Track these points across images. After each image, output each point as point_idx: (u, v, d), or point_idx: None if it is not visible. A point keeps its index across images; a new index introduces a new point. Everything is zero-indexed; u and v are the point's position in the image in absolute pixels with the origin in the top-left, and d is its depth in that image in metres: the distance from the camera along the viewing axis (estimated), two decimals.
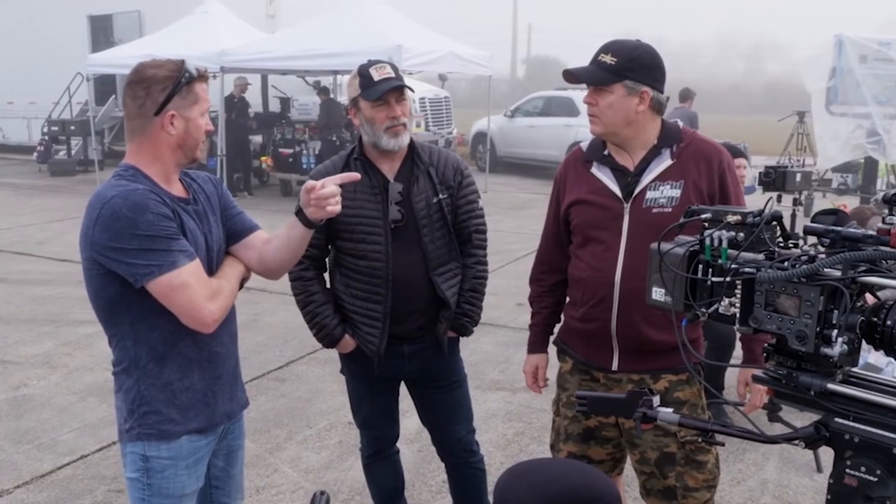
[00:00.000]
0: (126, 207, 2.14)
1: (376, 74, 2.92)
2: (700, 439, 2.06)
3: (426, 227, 3.02)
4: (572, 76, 2.61)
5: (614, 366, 2.70)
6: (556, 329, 3.01)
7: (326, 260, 3.17)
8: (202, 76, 2.30)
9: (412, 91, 3.11)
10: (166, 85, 2.22)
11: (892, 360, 3.62)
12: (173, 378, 2.32)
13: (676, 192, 2.58)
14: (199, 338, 2.32)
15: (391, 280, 2.99)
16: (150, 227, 2.15)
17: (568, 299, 2.89)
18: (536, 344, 3.03)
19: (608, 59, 2.53)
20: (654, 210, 2.57)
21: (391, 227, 2.98)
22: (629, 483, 3.54)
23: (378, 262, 2.98)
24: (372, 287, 3.02)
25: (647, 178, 2.61)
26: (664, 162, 2.61)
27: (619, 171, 2.65)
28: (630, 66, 2.52)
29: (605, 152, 2.69)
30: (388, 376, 3.20)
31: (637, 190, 2.61)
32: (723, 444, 1.95)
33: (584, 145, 2.80)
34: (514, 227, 11.54)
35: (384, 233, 2.97)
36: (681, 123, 2.72)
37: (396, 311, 3.03)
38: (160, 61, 2.28)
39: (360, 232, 2.97)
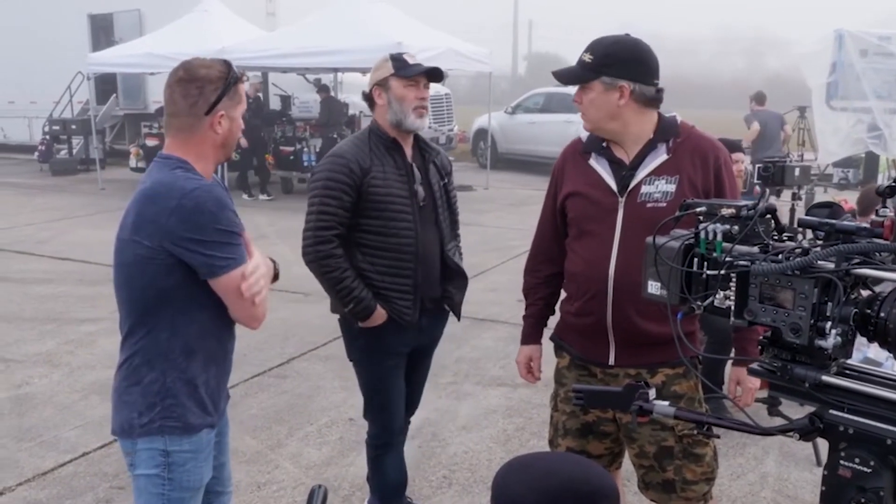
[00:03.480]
0: (211, 202, 2.22)
1: (409, 59, 3.18)
2: (696, 432, 2.07)
3: (441, 208, 3.32)
4: (558, 77, 2.69)
5: (611, 360, 2.70)
6: (552, 323, 3.01)
7: None
8: (241, 78, 2.39)
9: (441, 80, 3.36)
10: (218, 85, 2.29)
11: (891, 354, 3.63)
12: (197, 372, 2.37)
13: (671, 187, 2.58)
14: (221, 335, 2.41)
15: (420, 255, 3.20)
16: (229, 223, 2.25)
17: (564, 294, 2.88)
18: (530, 335, 3.05)
19: (587, 57, 2.58)
20: (649, 205, 2.57)
21: (419, 205, 3.21)
22: (628, 477, 3.55)
23: (408, 239, 3.16)
24: (401, 262, 3.18)
25: (642, 173, 2.61)
26: (660, 156, 2.61)
27: (615, 164, 2.65)
28: (606, 61, 2.54)
29: (604, 144, 2.69)
30: (411, 347, 3.37)
31: (632, 184, 2.61)
32: (718, 437, 1.95)
33: (584, 136, 2.80)
34: (514, 223, 11.55)
35: (412, 211, 3.17)
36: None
37: (421, 284, 3.24)
38: (208, 61, 2.35)
39: (392, 210, 3.14)
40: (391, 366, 3.33)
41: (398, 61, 3.15)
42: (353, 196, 3.10)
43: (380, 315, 3.19)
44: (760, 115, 12.85)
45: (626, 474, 3.40)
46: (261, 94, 15.29)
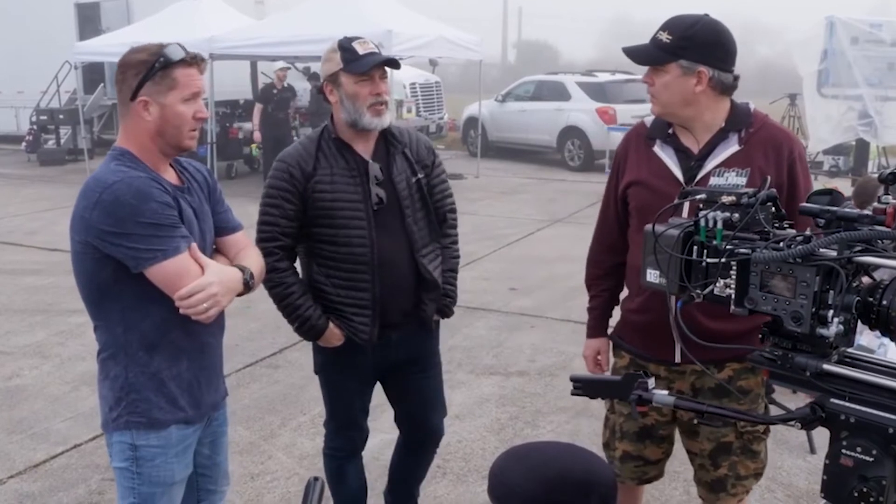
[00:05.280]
0: (130, 194, 2.14)
1: (360, 49, 2.79)
2: (696, 421, 2.04)
3: (409, 208, 2.93)
4: (629, 55, 2.48)
5: (677, 358, 2.57)
6: (611, 322, 2.90)
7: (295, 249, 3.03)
8: (186, 61, 2.23)
9: (398, 68, 3.04)
10: (139, 70, 2.20)
11: (884, 342, 3.62)
12: (162, 366, 2.30)
13: (742, 181, 2.40)
14: (191, 327, 2.31)
15: (376, 265, 2.88)
16: (153, 215, 2.15)
17: (626, 292, 2.75)
18: (596, 328, 2.91)
19: (664, 36, 2.38)
20: None
21: (374, 209, 2.87)
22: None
23: (362, 248, 2.85)
24: (356, 274, 2.89)
25: (711, 164, 2.45)
26: (731, 147, 2.45)
27: (682, 153, 2.50)
28: (684, 44, 2.36)
29: (670, 131, 2.54)
30: (379, 367, 3.08)
31: (700, 175, 2.45)
32: (718, 426, 1.94)
33: (648, 120, 2.65)
34: (506, 211, 11.54)
35: (366, 216, 2.85)
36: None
37: (382, 297, 2.92)
38: (144, 46, 2.25)
39: (341, 217, 2.84)
40: (356, 384, 3.09)
41: (347, 52, 2.78)
42: (297, 203, 2.83)
43: (334, 335, 2.92)
44: None
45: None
46: (297, 85, 14.78)
